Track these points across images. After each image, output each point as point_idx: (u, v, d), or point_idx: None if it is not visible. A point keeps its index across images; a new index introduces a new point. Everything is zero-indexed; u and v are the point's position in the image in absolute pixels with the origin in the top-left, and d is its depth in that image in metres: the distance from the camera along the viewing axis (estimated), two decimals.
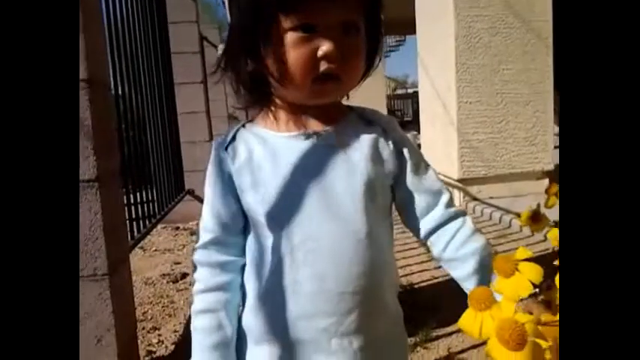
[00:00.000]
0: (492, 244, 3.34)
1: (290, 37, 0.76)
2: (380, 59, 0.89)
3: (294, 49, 0.76)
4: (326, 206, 0.81)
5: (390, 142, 0.86)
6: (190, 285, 3.14)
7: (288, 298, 0.82)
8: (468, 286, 0.82)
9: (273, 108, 0.86)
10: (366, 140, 0.85)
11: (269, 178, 0.83)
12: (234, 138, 0.87)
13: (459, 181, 4.49)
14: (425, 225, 0.87)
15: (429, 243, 0.88)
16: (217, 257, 0.87)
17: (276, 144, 0.85)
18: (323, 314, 0.81)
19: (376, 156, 0.84)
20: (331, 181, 0.82)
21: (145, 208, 3.28)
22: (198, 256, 0.88)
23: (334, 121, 0.86)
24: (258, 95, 0.86)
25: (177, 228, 4.61)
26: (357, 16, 0.79)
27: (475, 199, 4.49)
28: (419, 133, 5.57)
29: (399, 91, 26.34)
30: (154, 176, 3.72)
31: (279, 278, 0.82)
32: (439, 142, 4.83)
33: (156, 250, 3.98)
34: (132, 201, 3.00)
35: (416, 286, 2.79)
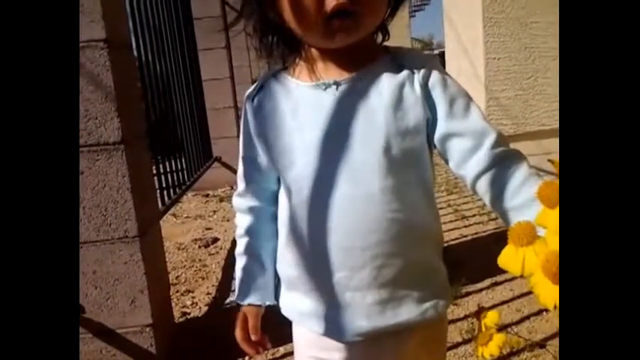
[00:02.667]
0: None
1: None
2: None
3: None
4: (340, 159, 0.78)
5: (416, 85, 0.78)
6: (221, 249, 3.22)
7: (303, 250, 0.83)
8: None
9: (302, 55, 0.84)
10: (388, 87, 0.79)
11: (289, 130, 0.82)
12: (261, 88, 0.87)
13: None
14: (469, 171, 0.77)
15: (477, 191, 0.78)
16: (252, 204, 0.92)
17: (299, 94, 0.83)
18: (333, 267, 0.80)
19: (399, 104, 0.78)
20: (349, 135, 0.78)
21: (175, 177, 3.31)
22: (236, 202, 0.94)
23: (363, 66, 0.81)
24: (283, 43, 0.84)
25: (207, 195, 4.66)
26: None
27: None
28: None
29: (426, 52, 25.90)
30: (182, 144, 3.75)
31: (296, 229, 0.83)
32: None
33: (187, 217, 4.03)
34: (162, 170, 3.04)
35: (445, 244, 2.77)
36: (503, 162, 0.75)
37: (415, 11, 17.03)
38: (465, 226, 3.05)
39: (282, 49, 0.85)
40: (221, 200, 4.45)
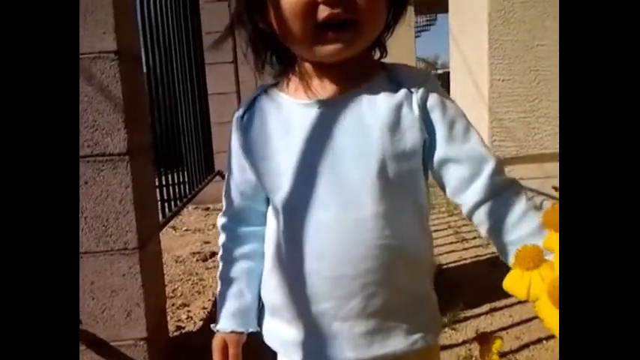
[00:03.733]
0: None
1: None
2: (407, 6, 0.79)
3: None
4: (332, 182, 0.74)
5: (414, 106, 0.74)
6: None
7: (289, 276, 0.79)
8: None
9: (294, 70, 0.80)
10: (385, 107, 0.74)
11: (278, 150, 0.78)
12: (252, 104, 0.83)
13: None
14: (467, 200, 0.74)
15: (474, 221, 0.75)
16: (238, 225, 0.87)
17: (291, 112, 0.79)
18: (321, 297, 0.76)
19: (396, 125, 0.74)
20: (341, 155, 0.74)
21: (176, 190, 3.31)
22: (221, 223, 0.89)
23: (358, 84, 0.77)
24: (276, 57, 0.81)
25: (208, 209, 4.65)
26: None
27: None
28: None
29: (428, 71, 25.95)
30: (184, 157, 3.75)
31: (282, 253, 0.80)
32: (470, 120, 4.74)
33: (187, 230, 4.02)
34: (163, 182, 3.03)
35: (444, 267, 2.76)
36: (502, 193, 0.73)
37: (420, 31, 17.11)
38: (465, 249, 3.03)
39: (276, 64, 0.81)
40: None
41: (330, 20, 0.68)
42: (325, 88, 0.78)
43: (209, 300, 2.58)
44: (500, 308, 2.23)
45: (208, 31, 4.45)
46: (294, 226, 0.77)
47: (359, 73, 0.78)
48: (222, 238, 0.89)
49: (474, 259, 2.85)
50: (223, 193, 0.88)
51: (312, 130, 0.76)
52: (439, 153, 0.75)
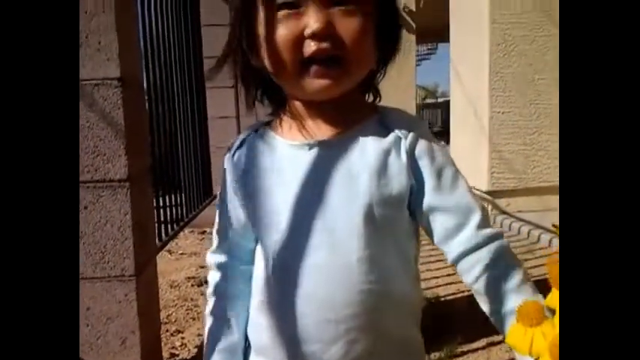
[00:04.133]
0: (519, 259, 3.27)
1: (274, 17, 0.69)
2: (397, 49, 0.79)
3: (277, 29, 0.69)
4: (319, 225, 0.74)
5: (402, 152, 0.74)
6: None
7: (275, 316, 0.79)
8: (503, 326, 0.71)
9: (286, 109, 0.80)
10: (373, 152, 0.74)
11: (268, 190, 0.78)
12: (242, 143, 0.83)
13: (488, 193, 4.41)
14: (452, 249, 0.74)
15: (458, 270, 0.76)
16: (227, 263, 0.87)
17: (282, 153, 0.79)
18: (306, 339, 0.75)
19: (384, 171, 0.74)
20: (329, 199, 0.74)
21: (173, 212, 3.29)
22: (210, 260, 0.89)
23: (349, 126, 0.77)
24: (268, 96, 0.81)
25: (204, 232, 4.63)
26: None
27: (504, 212, 4.40)
28: (448, 144, 5.50)
29: (429, 101, 26.17)
30: (182, 180, 3.74)
31: (269, 293, 0.79)
32: (469, 151, 4.76)
33: (182, 254, 4.00)
34: (160, 204, 3.02)
35: (441, 299, 2.74)
36: (486, 245, 0.73)
37: (421, 60, 17.29)
38: (462, 281, 3.01)
39: (268, 102, 0.82)
40: None
41: (317, 55, 0.69)
42: (316, 130, 0.78)
43: (203, 327, 2.54)
44: (498, 343, 2.21)
45: (209, 55, 4.48)
46: (282, 267, 0.77)
47: (350, 115, 0.78)
48: (211, 274, 0.89)
49: (471, 292, 2.82)
50: (214, 230, 0.88)
51: (302, 173, 0.76)
52: (426, 201, 0.75)
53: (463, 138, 4.95)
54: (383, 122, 0.78)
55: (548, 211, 4.15)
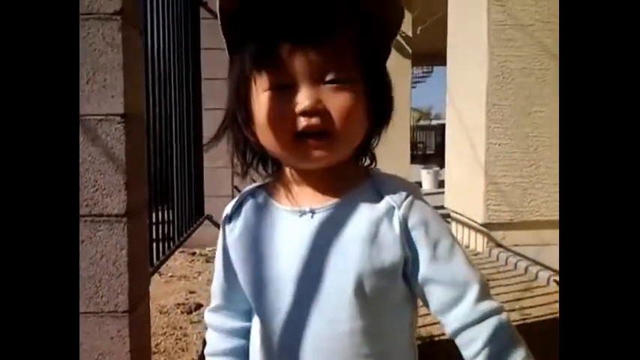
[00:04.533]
0: (517, 297, 3.22)
1: (267, 94, 0.72)
2: (389, 118, 0.81)
3: (270, 105, 0.72)
4: (310, 295, 0.75)
5: (395, 223, 0.74)
6: (203, 318, 3.11)
7: None
8: None
9: (281, 176, 0.82)
10: (366, 222, 0.75)
11: (261, 256, 0.79)
12: (238, 207, 0.84)
13: (484, 225, 4.39)
14: (449, 323, 0.74)
15: (457, 343, 0.75)
16: (225, 322, 0.89)
17: (275, 218, 0.80)
18: None
19: (376, 241, 0.74)
20: (321, 268, 0.75)
21: (165, 232, 3.23)
22: (208, 319, 0.91)
23: (342, 192, 0.78)
24: (262, 164, 0.83)
25: (194, 253, 4.57)
26: (341, 68, 0.72)
27: (499, 245, 4.37)
28: (441, 168, 5.49)
29: (423, 122, 26.26)
30: (175, 199, 3.69)
31: (264, 358, 0.81)
32: (465, 183, 4.75)
33: (172, 276, 3.93)
34: (152, 221, 2.95)
35: (435, 339, 2.69)
36: (484, 320, 0.72)
37: (416, 82, 17.40)
38: None
39: (262, 170, 0.84)
40: (207, 261, 4.37)
41: (308, 130, 0.71)
42: (308, 197, 0.79)
43: (192, 359, 2.49)
44: None
45: (207, 76, 4.46)
46: (276, 335, 0.78)
47: (343, 182, 0.79)
48: (208, 333, 0.91)
49: None
50: (212, 289, 0.90)
51: (294, 240, 0.77)
52: (422, 273, 0.74)
53: (459, 168, 4.95)
54: (376, 189, 0.78)
55: (545, 245, 4.13)
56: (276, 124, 0.72)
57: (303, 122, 0.71)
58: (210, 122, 4.50)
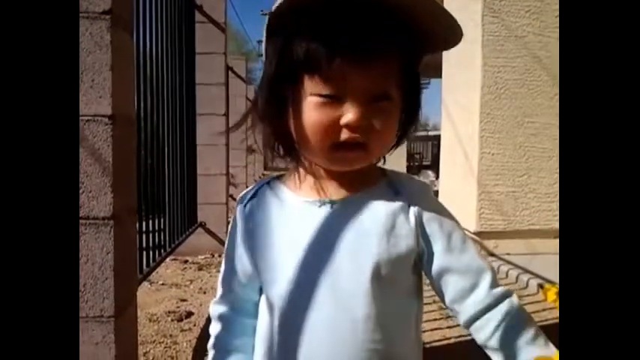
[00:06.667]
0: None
1: (313, 99, 0.74)
2: (416, 126, 0.85)
3: (315, 112, 0.74)
4: (326, 280, 0.77)
5: (411, 217, 0.78)
6: (194, 325, 3.08)
7: None
8: None
9: (300, 168, 0.83)
10: (383, 214, 0.79)
11: (278, 244, 0.81)
12: (255, 195, 0.86)
13: (476, 233, 4.38)
14: (466, 310, 0.78)
15: (472, 329, 0.78)
16: (231, 314, 0.89)
17: (293, 208, 0.82)
18: None
19: (392, 232, 0.78)
20: (338, 256, 0.77)
21: (156, 238, 3.21)
22: (214, 310, 0.90)
23: (360, 188, 0.81)
24: (285, 152, 0.84)
25: (186, 261, 4.53)
26: (389, 86, 0.75)
27: (491, 254, 4.36)
28: (437, 178, 5.50)
29: (419, 133, 26.18)
30: (167, 206, 3.67)
31: (273, 348, 0.81)
32: (458, 192, 4.75)
33: (163, 284, 3.88)
34: (143, 229, 2.93)
35: (427, 346, 2.67)
36: (499, 303, 0.76)
37: None
38: (449, 327, 2.95)
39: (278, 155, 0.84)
40: (200, 269, 4.33)
41: (350, 141, 0.74)
42: (328, 189, 0.81)
43: None
44: None
45: (202, 82, 4.46)
46: (287, 322, 0.79)
47: (361, 179, 0.82)
48: (214, 326, 0.90)
49: (457, 339, 2.76)
50: (220, 280, 0.89)
51: (312, 229, 0.79)
52: (438, 263, 0.78)
53: (452, 178, 4.95)
54: (392, 186, 0.82)
55: (536, 254, 4.13)
56: (319, 132, 0.74)
57: (345, 135, 0.73)
58: (205, 128, 4.49)
